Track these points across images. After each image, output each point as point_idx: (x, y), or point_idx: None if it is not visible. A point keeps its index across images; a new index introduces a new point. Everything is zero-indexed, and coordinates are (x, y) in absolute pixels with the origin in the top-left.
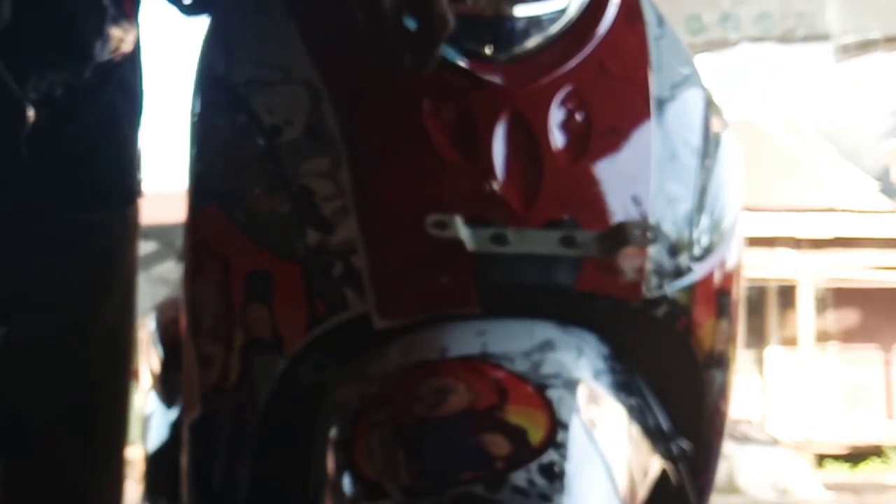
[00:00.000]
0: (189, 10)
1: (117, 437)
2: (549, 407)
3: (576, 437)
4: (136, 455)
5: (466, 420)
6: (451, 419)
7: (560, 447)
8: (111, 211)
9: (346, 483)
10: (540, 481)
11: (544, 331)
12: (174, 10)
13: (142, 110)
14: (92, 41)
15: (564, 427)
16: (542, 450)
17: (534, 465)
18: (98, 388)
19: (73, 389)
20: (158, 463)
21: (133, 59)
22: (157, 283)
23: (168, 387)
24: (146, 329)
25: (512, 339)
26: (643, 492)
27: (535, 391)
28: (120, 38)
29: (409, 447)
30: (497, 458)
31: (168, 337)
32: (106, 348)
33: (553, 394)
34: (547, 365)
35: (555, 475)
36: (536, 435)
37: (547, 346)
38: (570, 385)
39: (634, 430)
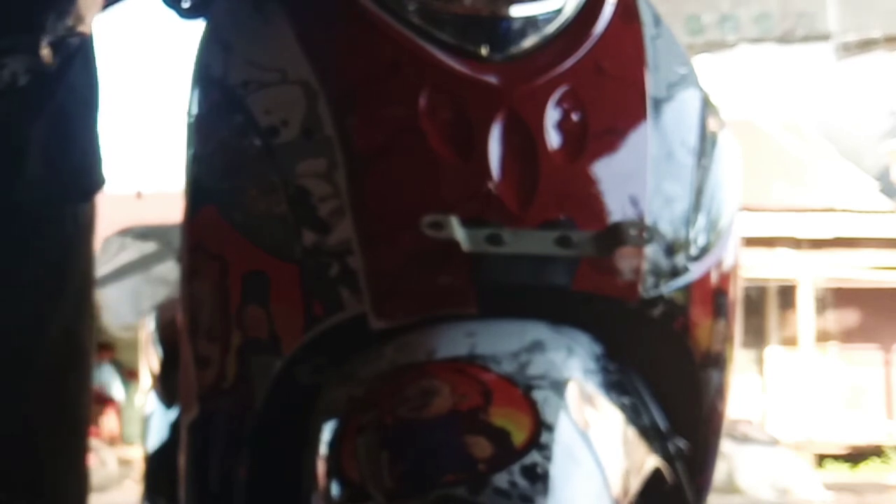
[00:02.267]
0: (187, 14)
1: (78, 432)
2: (533, 408)
3: (561, 438)
4: (136, 455)
5: (450, 422)
6: (434, 421)
7: (543, 448)
8: (65, 206)
9: (332, 486)
10: (522, 483)
11: (535, 331)
12: (172, 13)
13: (97, 106)
14: (45, 12)
15: (549, 428)
16: (524, 451)
17: (516, 467)
18: (54, 385)
19: (28, 387)
20: (158, 463)
21: (85, 54)
22: (157, 283)
23: (168, 387)
24: (146, 329)
25: (501, 341)
26: (635, 488)
27: (521, 392)
28: (78, 15)
29: (393, 450)
30: (479, 460)
31: (168, 337)
32: (61, 345)
33: (538, 395)
34: (534, 366)
35: (537, 476)
36: (519, 436)
37: (536, 346)
38: (557, 386)
39: (628, 430)
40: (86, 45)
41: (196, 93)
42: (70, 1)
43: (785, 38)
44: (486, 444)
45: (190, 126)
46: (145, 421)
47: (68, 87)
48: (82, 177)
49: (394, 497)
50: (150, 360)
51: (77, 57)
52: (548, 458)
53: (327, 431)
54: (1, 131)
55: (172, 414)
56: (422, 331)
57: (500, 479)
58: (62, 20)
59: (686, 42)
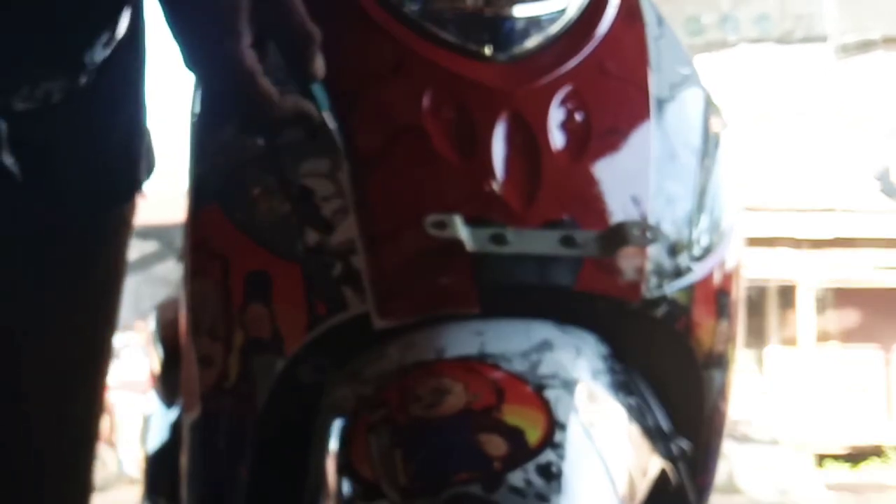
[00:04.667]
0: None
1: (85, 442)
2: (546, 407)
3: (573, 438)
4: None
5: (464, 420)
6: (448, 419)
7: (557, 447)
8: (95, 212)
9: (344, 484)
10: (537, 481)
11: (543, 331)
12: None
13: (142, 103)
14: (83, 51)
15: (562, 427)
16: (539, 450)
17: (531, 466)
18: (56, 390)
19: (27, 388)
20: (158, 463)
21: (131, 49)
22: (157, 283)
23: (168, 387)
24: (146, 329)
25: (510, 340)
26: (642, 491)
27: (533, 391)
28: (112, 34)
29: (406, 448)
30: (494, 459)
31: (168, 337)
32: (69, 347)
33: (551, 394)
34: (545, 365)
35: (552, 475)
36: (534, 435)
37: (545, 346)
38: (568, 385)
39: (634, 430)
40: (132, 42)
41: (199, 92)
42: (107, 29)
43: (784, 39)
44: (501, 443)
45: (193, 125)
46: (145, 421)
47: (106, 93)
48: (116, 182)
49: (408, 495)
50: (150, 360)
51: (116, 63)
52: (562, 457)
53: (336, 430)
54: (31, 146)
55: (172, 414)
56: (429, 330)
57: (516, 478)
58: (101, 50)
59: (686, 43)
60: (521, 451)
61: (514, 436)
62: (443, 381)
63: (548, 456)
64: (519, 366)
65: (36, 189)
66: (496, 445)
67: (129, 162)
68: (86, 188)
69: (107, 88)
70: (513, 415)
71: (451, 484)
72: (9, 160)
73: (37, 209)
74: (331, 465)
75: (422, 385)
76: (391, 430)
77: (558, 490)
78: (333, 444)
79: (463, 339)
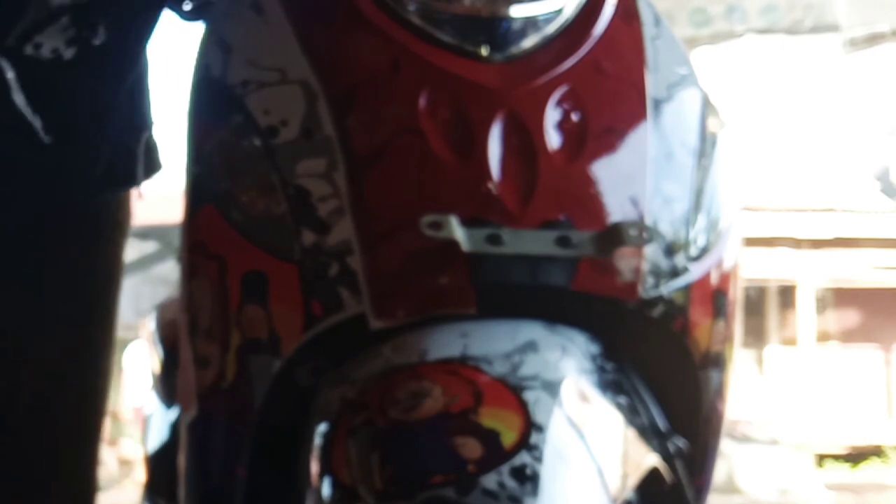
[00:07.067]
0: (189, 16)
1: (87, 439)
2: (524, 409)
3: (553, 439)
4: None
5: (440, 423)
6: (425, 423)
7: (533, 449)
8: (95, 198)
9: (324, 487)
10: (510, 484)
11: (529, 331)
12: (174, 15)
13: (148, 101)
14: None
15: (539, 429)
16: (513, 452)
17: (505, 468)
18: (53, 393)
19: (23, 390)
20: (158, 463)
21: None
22: (157, 283)
23: (168, 387)
24: (146, 329)
25: (494, 341)
26: (630, 487)
27: (512, 393)
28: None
29: (383, 451)
30: (469, 462)
31: (168, 337)
32: (68, 345)
33: (530, 395)
34: (526, 366)
35: (526, 477)
36: (509, 437)
37: (529, 347)
38: (550, 386)
39: (624, 429)
40: (140, 27)
41: (196, 93)
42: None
43: (793, 29)
44: (476, 445)
45: (190, 126)
46: (145, 421)
47: (112, 65)
48: (117, 168)
49: (383, 498)
50: (150, 360)
51: (132, 34)
52: (538, 459)
53: (320, 433)
54: (49, 96)
55: (172, 414)
56: (416, 332)
57: (489, 480)
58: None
59: (691, 34)
60: (495, 454)
61: (490, 438)
62: (422, 384)
63: (522, 458)
64: (500, 367)
65: (63, 156)
66: (471, 448)
67: (128, 153)
68: (101, 163)
69: (113, 61)
70: (489, 417)
71: (425, 487)
72: (20, 99)
73: (63, 182)
74: (313, 469)
75: (402, 388)
76: (369, 434)
77: (533, 492)
78: (316, 448)
79: (447, 341)
